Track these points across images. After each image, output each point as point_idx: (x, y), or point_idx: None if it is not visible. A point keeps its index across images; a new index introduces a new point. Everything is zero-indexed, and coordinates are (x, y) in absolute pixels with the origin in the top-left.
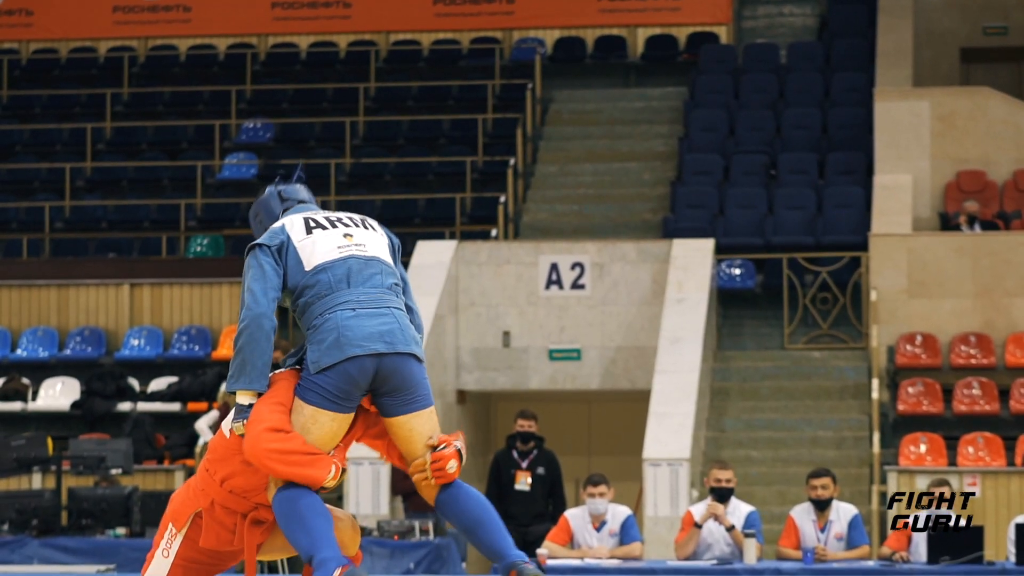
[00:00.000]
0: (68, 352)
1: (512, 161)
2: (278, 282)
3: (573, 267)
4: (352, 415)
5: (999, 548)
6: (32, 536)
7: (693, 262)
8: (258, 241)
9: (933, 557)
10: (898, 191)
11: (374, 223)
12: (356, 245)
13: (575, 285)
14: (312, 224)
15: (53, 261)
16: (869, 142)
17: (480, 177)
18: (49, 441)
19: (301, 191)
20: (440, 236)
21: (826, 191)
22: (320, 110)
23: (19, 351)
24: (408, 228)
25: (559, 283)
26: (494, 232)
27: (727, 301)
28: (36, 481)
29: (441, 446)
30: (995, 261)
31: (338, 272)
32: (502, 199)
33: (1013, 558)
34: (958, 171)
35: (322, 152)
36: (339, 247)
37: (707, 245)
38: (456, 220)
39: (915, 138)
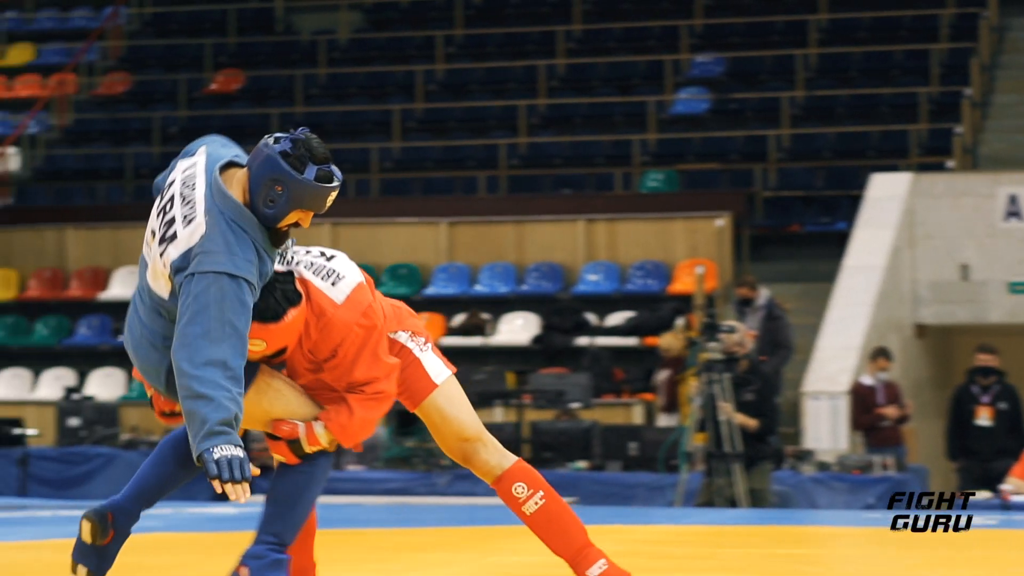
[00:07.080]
0: (526, 287)
1: (967, 91)
2: None
3: None
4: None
5: None
6: None
7: None
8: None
9: None
10: None
11: (181, 210)
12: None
13: None
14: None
15: (509, 198)
16: None
17: (934, 108)
18: (509, 375)
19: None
20: (894, 168)
21: None
22: (770, 43)
23: (478, 286)
24: (861, 160)
25: (1018, 215)
26: (950, 164)
27: None
28: (498, 415)
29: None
30: None
31: None
32: (957, 130)
33: None
34: None
35: (773, 86)
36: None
37: None
38: (910, 152)
39: None
